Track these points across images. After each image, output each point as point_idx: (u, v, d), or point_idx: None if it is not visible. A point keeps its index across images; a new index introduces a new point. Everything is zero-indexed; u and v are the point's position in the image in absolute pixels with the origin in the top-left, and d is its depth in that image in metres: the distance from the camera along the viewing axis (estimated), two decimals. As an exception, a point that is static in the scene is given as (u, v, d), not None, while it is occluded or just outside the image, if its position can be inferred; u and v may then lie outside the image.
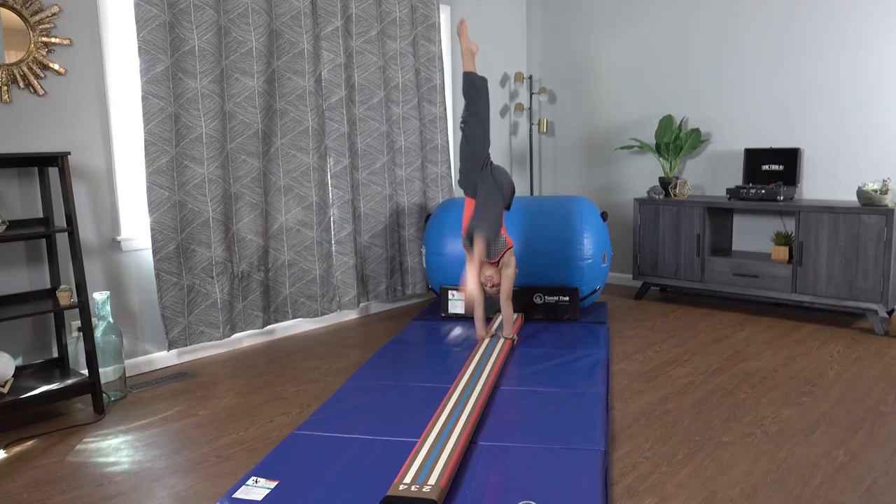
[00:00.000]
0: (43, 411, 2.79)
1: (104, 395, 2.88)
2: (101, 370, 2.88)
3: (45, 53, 2.87)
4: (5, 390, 2.59)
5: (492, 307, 3.76)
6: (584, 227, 3.77)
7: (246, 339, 3.72)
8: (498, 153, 5.23)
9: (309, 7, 3.63)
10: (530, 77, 5.36)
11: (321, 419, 2.48)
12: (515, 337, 3.36)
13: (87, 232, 3.07)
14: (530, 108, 5.39)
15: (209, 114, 3.26)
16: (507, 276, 3.25)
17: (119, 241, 3.18)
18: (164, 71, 3.08)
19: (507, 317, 3.31)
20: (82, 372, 2.95)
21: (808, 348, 3.37)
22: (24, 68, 2.82)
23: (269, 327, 3.80)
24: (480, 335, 3.37)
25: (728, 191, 4.11)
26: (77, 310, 3.00)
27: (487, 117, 3.24)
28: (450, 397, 2.54)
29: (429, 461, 2.02)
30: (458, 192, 4.92)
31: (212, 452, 2.36)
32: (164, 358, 3.37)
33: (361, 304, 4.30)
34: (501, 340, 3.26)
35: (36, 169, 2.88)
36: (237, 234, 3.48)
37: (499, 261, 3.21)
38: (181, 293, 3.24)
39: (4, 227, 2.59)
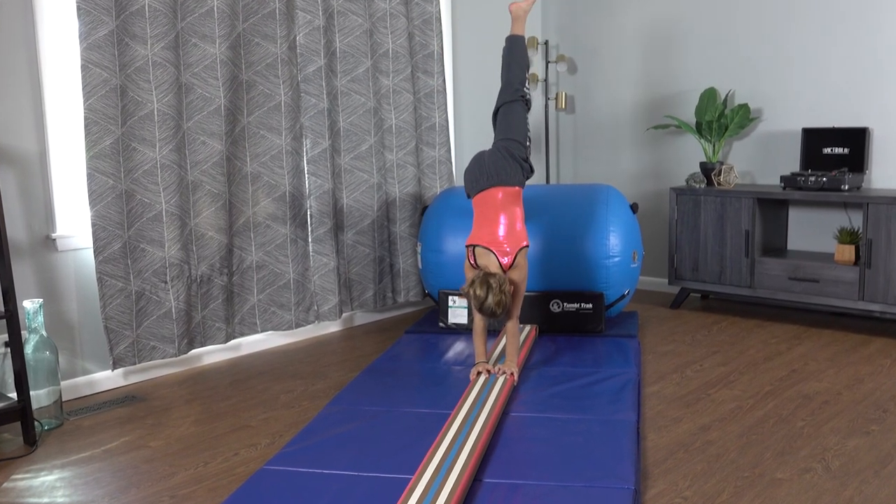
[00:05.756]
0: (-37, 442, 2.79)
1: (36, 423, 2.88)
2: (32, 393, 2.87)
3: (-35, 14, 2.87)
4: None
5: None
6: (610, 220, 3.77)
7: (206, 355, 3.72)
8: (507, 134, 5.24)
9: (281, -41, 3.63)
10: (546, 43, 5.36)
11: (296, 452, 2.47)
12: (516, 373, 3.05)
13: (15, 228, 3.07)
14: (546, 80, 5.39)
15: (162, 86, 3.26)
16: (518, 288, 3.06)
17: (54, 239, 3.18)
18: (107, 35, 3.08)
19: (513, 343, 3.11)
20: (10, 395, 2.94)
21: (878, 367, 3.37)
22: (-59, 32, 2.82)
23: (233, 342, 3.80)
24: (479, 360, 3.13)
25: (782, 178, 4.12)
26: (3, 321, 3.00)
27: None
28: (450, 425, 2.54)
29: (425, 502, 2.02)
30: (459, 180, 4.92)
31: (165, 491, 2.36)
32: (108, 379, 3.37)
33: (344, 315, 4.31)
34: (502, 377, 3.00)
35: (-46, 152, 2.88)
36: (195, 231, 3.48)
37: (511, 262, 3.07)
38: (128, 301, 3.24)
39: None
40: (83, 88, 3.05)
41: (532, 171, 3.26)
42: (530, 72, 5.30)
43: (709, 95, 4.51)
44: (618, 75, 5.11)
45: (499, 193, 3.13)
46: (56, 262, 3.20)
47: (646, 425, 2.78)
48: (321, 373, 3.51)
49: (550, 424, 2.66)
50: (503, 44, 3.45)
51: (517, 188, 3.15)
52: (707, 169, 4.46)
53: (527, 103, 3.34)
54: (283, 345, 4.01)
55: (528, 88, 3.36)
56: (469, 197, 3.25)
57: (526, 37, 5.26)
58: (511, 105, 3.30)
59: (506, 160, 3.16)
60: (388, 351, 3.62)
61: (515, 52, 3.38)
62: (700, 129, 4.52)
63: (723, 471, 2.39)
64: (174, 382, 3.44)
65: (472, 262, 3.10)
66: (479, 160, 3.22)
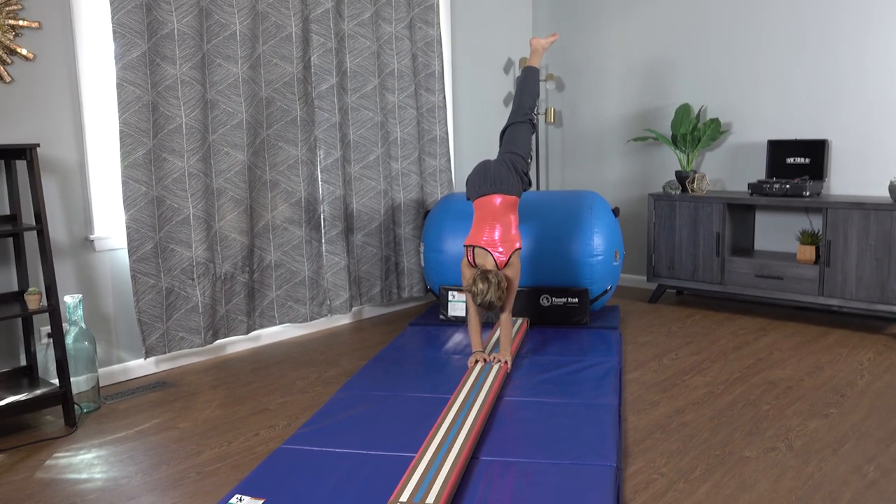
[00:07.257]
0: (10, 424, 2.78)
1: (76, 406, 2.88)
2: (72, 379, 2.88)
3: (11, 37, 2.87)
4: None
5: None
6: (594, 222, 3.77)
7: (229, 345, 3.72)
8: (501, 145, 5.23)
9: (297, -13, 3.63)
10: (536, 63, 5.36)
11: (310, 432, 2.48)
12: (510, 361, 3.06)
13: (57, 230, 3.07)
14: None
15: (189, 102, 3.26)
16: (511, 284, 3.06)
17: (92, 240, 3.18)
18: (140, 56, 3.08)
19: (506, 334, 3.10)
20: (52, 381, 2.95)
21: (836, 356, 3.38)
22: (-10, 53, 2.82)
23: (253, 333, 3.80)
24: (476, 349, 3.11)
25: (750, 186, 4.12)
26: (47, 314, 3.00)
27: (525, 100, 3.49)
28: (450, 409, 2.54)
29: (427, 478, 2.02)
30: (459, 188, 4.92)
31: (192, 468, 2.36)
32: (140, 366, 3.37)
33: (354, 308, 4.30)
34: (496, 365, 3.00)
35: (2, 162, 2.88)
36: (220, 233, 3.48)
37: (506, 261, 3.06)
38: (159, 296, 3.24)
39: (-32, 224, 2.59)
40: (118, 104, 3.06)
41: (530, 184, 3.28)
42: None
43: (683, 110, 4.51)
44: (601, 92, 5.11)
45: (498, 199, 3.12)
46: (94, 261, 3.20)
47: (626, 408, 2.78)
48: (333, 361, 3.52)
49: (540, 408, 2.66)
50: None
51: (515, 197, 3.15)
52: (682, 177, 4.46)
53: (533, 126, 3.41)
54: (298, 336, 4.01)
55: (536, 114, 3.44)
56: (469, 199, 3.24)
57: (519, 58, 5.29)
58: (520, 125, 3.37)
59: (508, 171, 3.16)
60: (394, 341, 3.62)
61: (529, 82, 3.48)
62: (675, 141, 4.52)
63: (696, 449, 2.40)
64: (201, 370, 3.44)
65: (471, 260, 3.10)
66: (484, 168, 3.21)
